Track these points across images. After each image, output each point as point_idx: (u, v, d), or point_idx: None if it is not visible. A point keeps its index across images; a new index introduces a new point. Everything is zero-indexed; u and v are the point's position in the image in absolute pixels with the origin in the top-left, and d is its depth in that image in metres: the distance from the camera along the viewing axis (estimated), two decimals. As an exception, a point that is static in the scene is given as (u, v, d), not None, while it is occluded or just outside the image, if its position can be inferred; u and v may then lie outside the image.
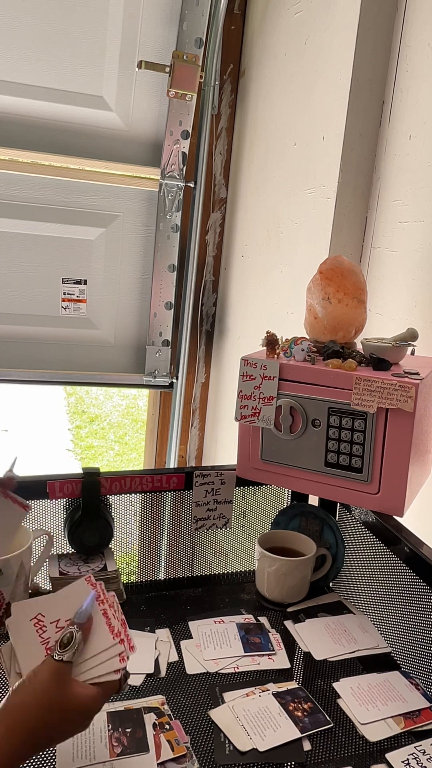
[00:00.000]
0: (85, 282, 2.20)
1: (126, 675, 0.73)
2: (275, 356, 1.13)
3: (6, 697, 0.69)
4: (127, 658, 0.72)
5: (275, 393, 1.11)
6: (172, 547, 1.27)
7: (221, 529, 1.25)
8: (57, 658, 0.68)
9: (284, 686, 0.94)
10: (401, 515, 1.05)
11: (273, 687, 0.94)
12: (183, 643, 1.04)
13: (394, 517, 1.06)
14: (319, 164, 1.60)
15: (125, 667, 0.72)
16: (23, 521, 1.00)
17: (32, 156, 2.04)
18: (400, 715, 0.90)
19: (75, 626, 0.71)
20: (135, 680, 0.95)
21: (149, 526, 1.24)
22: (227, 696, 0.92)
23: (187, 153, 2.12)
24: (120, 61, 2.02)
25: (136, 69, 2.01)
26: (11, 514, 0.95)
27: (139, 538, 1.24)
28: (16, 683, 0.69)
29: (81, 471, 1.14)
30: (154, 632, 1.06)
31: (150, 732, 0.84)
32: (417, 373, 1.03)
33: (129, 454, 5.59)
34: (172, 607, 1.14)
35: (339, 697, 0.93)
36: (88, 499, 1.13)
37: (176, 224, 2.19)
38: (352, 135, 1.48)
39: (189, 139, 2.10)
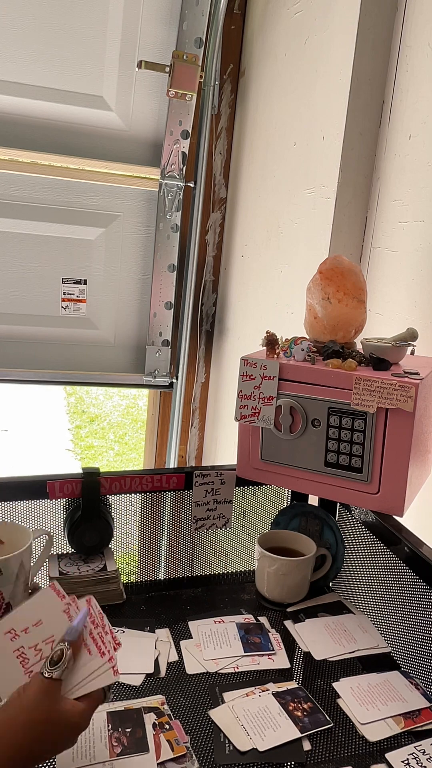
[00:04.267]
0: (85, 282, 2.20)
1: (111, 684, 0.74)
2: (275, 356, 1.13)
3: None
4: (117, 671, 0.72)
5: (275, 393, 1.11)
6: (172, 547, 1.27)
7: (221, 529, 1.25)
8: (47, 675, 0.68)
9: (284, 686, 0.94)
10: (401, 515, 1.05)
11: (273, 687, 0.94)
12: (183, 643, 1.04)
13: (394, 517, 1.06)
14: (319, 164, 1.60)
15: (111, 675, 0.72)
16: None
17: (32, 156, 2.04)
18: (400, 715, 0.90)
19: (65, 643, 0.71)
20: (135, 680, 0.95)
21: (149, 526, 1.24)
22: (227, 696, 0.92)
23: (187, 153, 2.12)
24: (120, 61, 2.02)
25: (136, 69, 2.01)
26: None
27: (139, 538, 1.24)
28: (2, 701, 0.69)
29: (81, 471, 1.14)
30: (154, 632, 1.06)
31: (150, 732, 0.84)
32: (417, 373, 1.03)
33: (129, 454, 5.60)
34: (172, 607, 1.14)
35: (339, 697, 0.93)
36: (88, 499, 1.13)
37: (176, 224, 2.19)
38: (352, 135, 1.48)
39: (189, 139, 2.10)
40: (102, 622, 0.76)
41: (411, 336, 1.13)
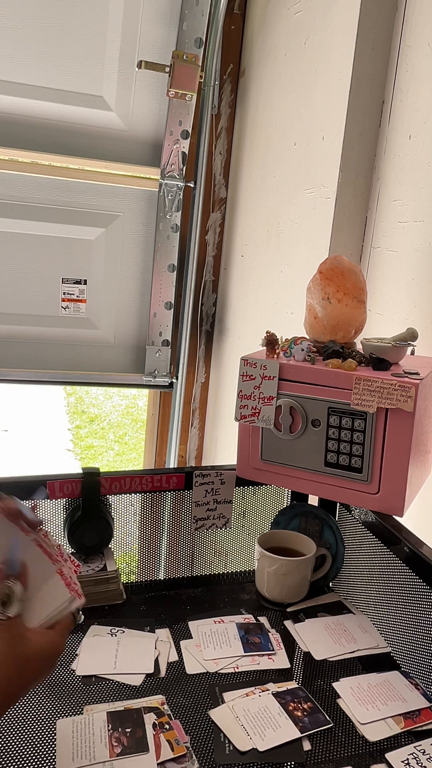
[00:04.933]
0: (85, 282, 2.20)
1: (78, 607, 0.72)
2: (275, 356, 1.13)
3: None
4: (76, 584, 0.71)
5: (275, 393, 1.11)
6: (172, 547, 1.27)
7: (221, 529, 1.25)
8: (2, 617, 0.67)
9: (284, 686, 0.94)
10: (401, 515, 1.05)
11: (273, 687, 0.94)
12: (183, 643, 1.04)
13: (394, 517, 1.06)
14: (319, 164, 1.60)
15: (74, 597, 0.70)
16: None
17: (32, 156, 2.04)
18: (399, 714, 0.90)
19: (10, 579, 0.69)
20: (135, 680, 0.95)
21: (149, 526, 1.24)
22: (227, 696, 0.92)
23: (187, 153, 2.12)
24: (120, 61, 2.02)
25: (136, 69, 2.01)
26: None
27: (139, 538, 1.24)
28: None
29: (81, 471, 1.14)
30: (154, 632, 1.06)
31: (150, 732, 0.84)
32: (417, 373, 1.03)
33: (129, 454, 5.60)
34: (172, 607, 1.14)
35: (339, 697, 0.93)
36: (88, 499, 1.13)
37: (176, 224, 2.19)
38: (352, 135, 1.48)
39: (189, 139, 2.10)
40: (41, 533, 0.73)
41: (411, 336, 1.13)
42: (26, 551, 0.71)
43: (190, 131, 2.09)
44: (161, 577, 1.26)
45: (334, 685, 0.96)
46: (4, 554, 0.70)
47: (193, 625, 1.08)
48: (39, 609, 0.70)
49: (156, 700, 0.91)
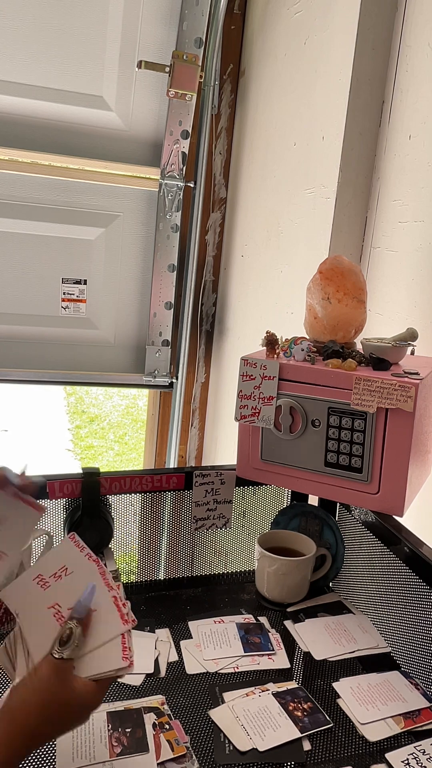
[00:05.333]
0: (85, 282, 2.20)
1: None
2: (275, 356, 1.13)
3: (7, 693, 0.68)
4: (132, 652, 0.71)
5: (275, 393, 1.11)
6: (172, 547, 1.27)
7: (221, 529, 1.25)
8: (57, 656, 0.68)
9: (284, 686, 0.94)
10: (401, 515, 1.05)
11: (273, 687, 0.94)
12: (183, 643, 1.04)
13: (394, 517, 1.06)
14: (319, 164, 1.60)
15: (127, 666, 0.71)
16: (37, 524, 0.96)
17: (32, 156, 2.04)
18: (400, 714, 0.90)
19: (74, 621, 0.70)
20: (135, 680, 0.95)
21: (149, 526, 1.24)
22: (227, 696, 0.92)
23: (187, 153, 2.12)
24: (120, 61, 2.02)
25: (136, 69, 2.01)
26: (26, 516, 0.88)
27: (139, 538, 1.24)
28: (16, 679, 0.69)
29: (81, 471, 1.14)
30: (154, 632, 1.06)
31: (150, 732, 0.84)
32: (417, 373, 1.03)
33: (129, 454, 5.60)
34: (172, 607, 1.14)
35: (339, 697, 0.93)
36: (88, 499, 1.13)
37: (176, 224, 2.19)
38: (352, 135, 1.48)
39: (189, 139, 2.10)
40: (115, 586, 0.74)
41: (411, 336, 1.13)
42: (100, 600, 0.73)
43: (190, 131, 2.09)
44: (161, 577, 1.26)
45: (334, 685, 0.96)
46: (78, 594, 0.72)
47: (193, 625, 1.08)
48: (91, 663, 0.70)
49: (156, 700, 0.91)
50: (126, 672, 0.71)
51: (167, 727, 0.85)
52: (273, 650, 1.03)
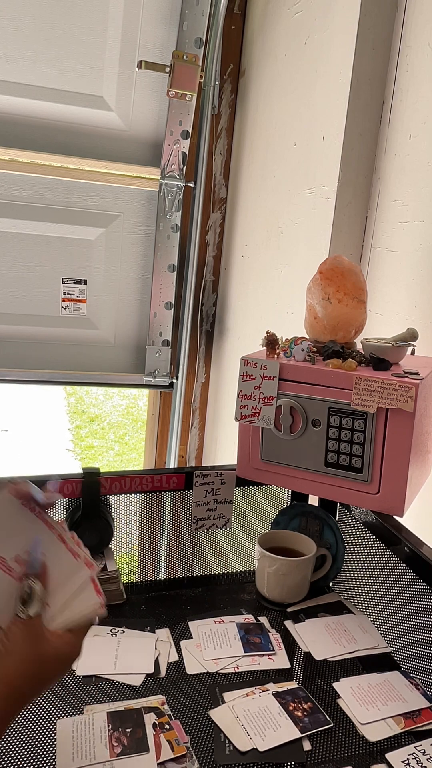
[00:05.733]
0: (85, 282, 2.20)
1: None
2: (275, 356, 1.13)
3: None
4: (97, 582, 0.69)
5: (275, 393, 1.11)
6: (172, 547, 1.27)
7: (221, 529, 1.25)
8: (23, 616, 0.67)
9: (284, 686, 0.94)
10: (401, 515, 1.05)
11: (273, 687, 0.94)
12: (183, 643, 1.04)
13: (394, 517, 1.06)
14: (319, 164, 1.60)
15: (101, 604, 0.69)
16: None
17: (32, 156, 2.04)
18: (400, 715, 0.90)
19: (31, 578, 0.68)
20: (135, 680, 0.95)
21: (149, 526, 1.24)
22: (227, 696, 0.92)
23: (187, 153, 2.12)
24: (120, 61, 2.02)
25: (136, 69, 2.01)
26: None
27: (139, 538, 1.24)
28: None
29: (81, 471, 1.14)
30: (154, 632, 1.06)
31: (150, 732, 0.84)
32: (417, 373, 1.03)
33: (129, 454, 5.60)
34: (172, 607, 1.14)
35: (339, 697, 0.93)
36: (88, 499, 1.13)
37: (176, 224, 2.19)
38: (352, 135, 1.48)
39: (189, 139, 2.10)
40: (63, 529, 0.72)
41: (411, 336, 1.13)
42: (50, 548, 0.70)
43: (190, 131, 2.09)
44: (161, 577, 1.26)
45: (335, 685, 0.96)
46: (26, 551, 0.70)
47: (193, 625, 1.08)
48: (62, 610, 0.69)
49: (156, 700, 0.91)
50: (98, 613, 0.69)
51: (167, 727, 0.85)
52: (273, 650, 1.03)
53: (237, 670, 0.98)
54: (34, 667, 0.66)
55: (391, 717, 0.89)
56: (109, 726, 0.85)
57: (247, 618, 1.11)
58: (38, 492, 0.72)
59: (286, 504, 1.30)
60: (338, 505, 1.24)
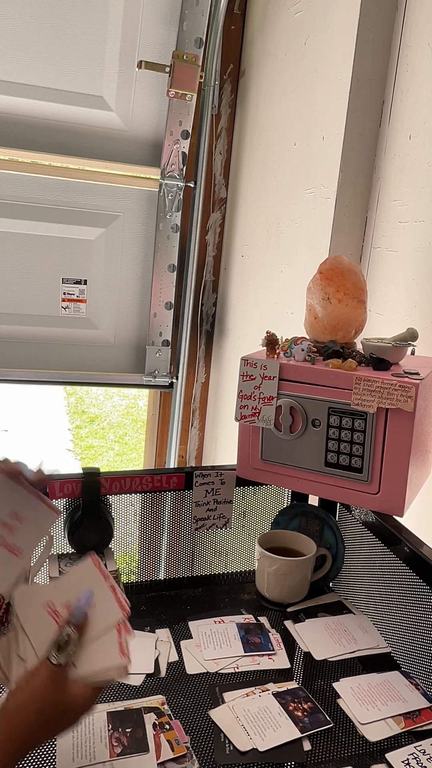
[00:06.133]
0: (85, 282, 2.20)
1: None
2: (275, 356, 1.13)
3: (4, 696, 0.69)
4: (129, 651, 0.71)
5: (275, 393, 1.11)
6: (172, 547, 1.27)
7: (221, 529, 1.25)
8: (54, 662, 0.68)
9: (284, 686, 0.94)
10: (401, 515, 1.05)
11: (273, 687, 0.94)
12: (183, 643, 1.04)
13: (394, 517, 1.06)
14: (319, 164, 1.60)
15: (125, 666, 0.70)
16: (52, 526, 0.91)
17: (32, 156, 2.04)
18: (400, 715, 0.90)
19: (71, 626, 0.70)
20: (135, 680, 0.95)
21: (149, 526, 1.24)
22: (227, 696, 0.92)
23: (187, 153, 2.12)
24: (120, 61, 2.02)
25: (136, 69, 2.01)
26: (43, 516, 0.86)
27: (139, 538, 1.24)
28: (13, 681, 0.69)
29: (81, 471, 1.14)
30: (154, 632, 1.06)
31: (150, 732, 0.84)
32: (417, 373, 1.03)
33: (129, 454, 5.60)
34: (172, 607, 1.14)
35: (339, 697, 0.93)
36: (88, 499, 1.13)
37: (176, 224, 2.19)
38: (352, 135, 1.48)
39: (189, 139, 2.10)
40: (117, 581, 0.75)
41: (411, 336, 1.13)
42: (99, 598, 0.72)
43: (190, 131, 2.09)
44: (161, 577, 1.26)
45: (334, 685, 0.96)
46: (75, 600, 0.71)
47: (193, 625, 1.08)
48: (88, 662, 0.69)
49: (156, 700, 0.91)
50: (123, 673, 0.70)
51: (167, 727, 0.85)
52: (273, 650, 1.03)
53: (237, 670, 0.98)
54: (51, 716, 0.66)
55: (391, 717, 0.89)
56: (109, 726, 0.85)
57: (247, 618, 1.11)
58: (29, 471, 0.75)
59: (286, 504, 1.30)
60: (338, 505, 1.24)
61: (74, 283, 2.18)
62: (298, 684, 0.96)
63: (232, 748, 0.83)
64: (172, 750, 0.82)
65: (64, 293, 2.18)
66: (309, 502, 1.27)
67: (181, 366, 2.30)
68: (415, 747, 0.84)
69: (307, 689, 0.94)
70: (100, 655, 0.70)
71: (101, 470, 1.14)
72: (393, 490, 1.04)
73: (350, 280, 1.15)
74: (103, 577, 0.73)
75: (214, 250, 2.31)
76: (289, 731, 0.86)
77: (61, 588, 0.74)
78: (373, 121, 1.48)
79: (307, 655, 1.03)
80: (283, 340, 1.15)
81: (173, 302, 2.24)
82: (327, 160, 1.55)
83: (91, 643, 0.70)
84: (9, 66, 1.94)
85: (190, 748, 0.83)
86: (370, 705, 0.91)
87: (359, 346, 1.17)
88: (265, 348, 1.15)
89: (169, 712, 0.88)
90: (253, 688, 0.94)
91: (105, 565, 1.13)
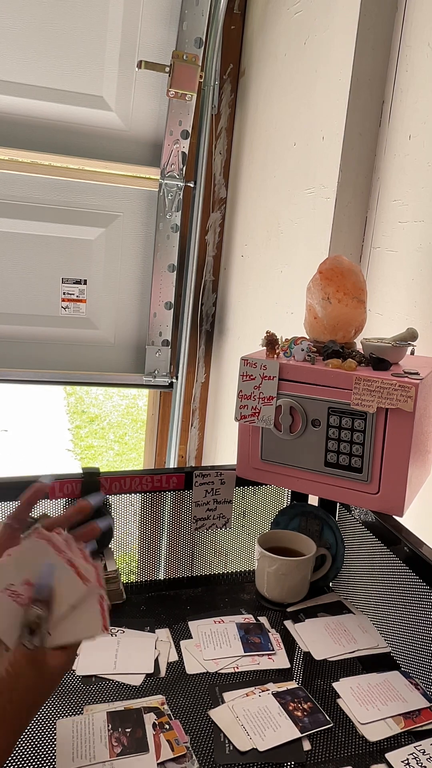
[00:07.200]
0: (85, 282, 2.20)
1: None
2: (275, 356, 1.13)
3: None
4: (105, 605, 0.69)
5: (275, 393, 1.11)
6: (172, 547, 1.27)
7: (221, 529, 1.25)
8: (29, 646, 0.67)
9: (284, 686, 0.94)
10: (401, 515, 1.05)
11: (273, 687, 0.94)
12: (183, 643, 1.04)
13: (394, 517, 1.06)
14: (319, 164, 1.60)
15: (103, 630, 0.69)
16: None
17: (32, 156, 2.04)
18: (399, 714, 0.90)
19: (38, 604, 0.68)
20: (135, 680, 0.95)
21: (149, 526, 1.24)
22: (227, 696, 0.92)
23: (187, 153, 2.12)
24: (120, 61, 2.02)
25: (136, 69, 2.01)
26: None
27: (139, 538, 1.24)
28: None
29: (81, 471, 1.14)
30: (154, 632, 1.06)
31: (150, 732, 0.84)
32: (417, 373, 1.03)
33: (129, 454, 5.60)
34: (172, 607, 1.14)
35: (339, 697, 0.93)
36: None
37: (176, 224, 2.19)
38: (352, 135, 1.48)
39: (189, 139, 2.10)
40: (71, 546, 0.71)
41: (411, 336, 1.13)
42: (59, 574, 0.70)
43: (190, 131, 2.09)
44: (161, 577, 1.26)
45: (334, 685, 0.96)
46: (35, 578, 0.69)
47: (193, 625, 1.08)
48: (64, 632, 0.69)
49: (156, 700, 0.91)
50: (100, 635, 0.69)
51: (167, 727, 0.85)
52: (273, 650, 1.03)
53: (237, 670, 0.98)
54: (36, 695, 0.67)
55: (391, 717, 0.89)
56: (108, 726, 0.85)
57: (247, 618, 1.11)
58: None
59: (286, 504, 1.30)
60: (338, 505, 1.24)
61: (74, 283, 2.18)
62: (297, 684, 0.96)
63: (231, 748, 0.83)
64: (172, 750, 0.82)
65: (64, 293, 2.18)
66: (309, 502, 1.27)
67: (180, 366, 2.30)
68: (414, 747, 0.84)
69: (307, 689, 0.94)
70: (79, 626, 0.69)
71: (101, 470, 1.14)
72: (393, 490, 1.04)
73: (350, 280, 1.15)
74: (55, 551, 0.71)
75: (213, 250, 2.31)
76: (288, 731, 0.86)
77: (17, 567, 0.71)
78: (372, 121, 1.48)
79: (307, 655, 1.03)
80: (283, 340, 1.15)
81: (173, 302, 2.25)
82: (327, 160, 1.55)
83: (66, 616, 0.69)
84: (9, 66, 1.94)
85: (190, 748, 0.83)
86: (370, 705, 0.91)
87: (359, 346, 1.17)
88: (264, 348, 1.15)
89: (169, 712, 0.88)
90: (252, 688, 0.94)
91: (105, 565, 1.14)
